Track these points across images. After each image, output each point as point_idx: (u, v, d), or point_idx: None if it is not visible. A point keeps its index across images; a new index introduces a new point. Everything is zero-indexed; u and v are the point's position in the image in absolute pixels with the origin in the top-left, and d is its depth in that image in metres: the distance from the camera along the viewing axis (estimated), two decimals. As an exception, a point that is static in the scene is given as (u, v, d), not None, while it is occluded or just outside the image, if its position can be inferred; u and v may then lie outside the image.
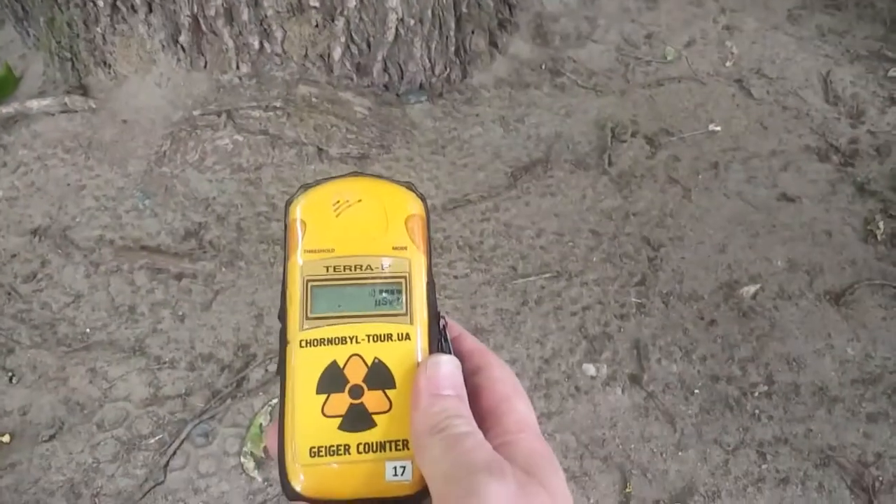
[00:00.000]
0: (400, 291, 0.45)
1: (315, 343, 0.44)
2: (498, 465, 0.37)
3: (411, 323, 0.45)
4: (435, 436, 0.39)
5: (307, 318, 0.44)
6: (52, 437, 1.59)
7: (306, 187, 0.47)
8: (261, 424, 1.60)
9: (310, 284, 0.45)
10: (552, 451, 0.40)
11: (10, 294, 1.86)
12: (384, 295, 0.45)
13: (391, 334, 0.44)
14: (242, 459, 1.56)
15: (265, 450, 1.56)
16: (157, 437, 1.60)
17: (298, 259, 0.45)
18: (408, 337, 0.44)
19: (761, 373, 1.76)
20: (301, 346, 0.44)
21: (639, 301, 1.90)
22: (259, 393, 1.67)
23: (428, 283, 0.46)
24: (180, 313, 1.83)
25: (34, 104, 2.32)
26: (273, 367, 1.72)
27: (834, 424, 1.67)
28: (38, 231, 2.01)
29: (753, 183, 2.24)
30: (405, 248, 0.46)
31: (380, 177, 0.49)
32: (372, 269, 0.45)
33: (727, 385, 1.73)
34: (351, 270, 0.45)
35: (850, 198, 2.20)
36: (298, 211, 0.46)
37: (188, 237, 2.00)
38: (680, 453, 1.62)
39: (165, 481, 1.53)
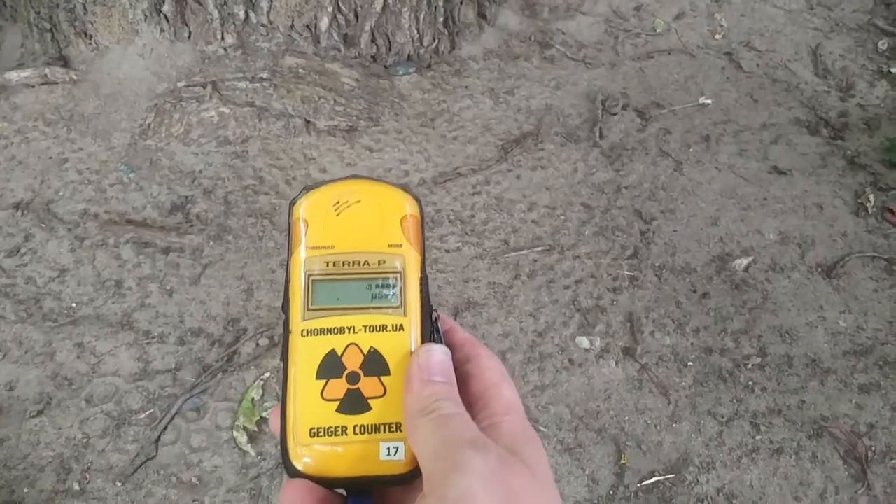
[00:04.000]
0: (395, 286, 0.48)
1: (315, 333, 0.47)
2: (482, 442, 0.39)
3: (405, 315, 0.48)
4: (425, 416, 0.42)
5: (308, 310, 0.47)
6: (40, 413, 1.57)
7: (309, 189, 0.50)
8: (253, 398, 1.58)
9: (311, 279, 0.48)
10: (535, 433, 0.42)
11: (-8, 269, 1.82)
12: (380, 289, 0.48)
13: (386, 325, 0.47)
14: (235, 433, 1.54)
15: (258, 423, 1.55)
16: (147, 412, 1.58)
17: (301, 255, 0.49)
18: (402, 328, 0.47)
19: (754, 345, 1.76)
20: (302, 336, 0.47)
21: (631, 274, 1.89)
22: (251, 367, 1.65)
23: (421, 279, 0.49)
24: (168, 287, 1.80)
25: (13, 76, 2.26)
26: (264, 342, 1.70)
27: (827, 396, 1.67)
28: (21, 205, 1.96)
29: (745, 156, 2.23)
30: (400, 245, 0.49)
31: (378, 179, 0.51)
32: (369, 265, 0.49)
33: (720, 357, 1.73)
34: (349, 266, 0.49)
35: (840, 171, 2.20)
36: (302, 210, 0.50)
37: (175, 211, 1.96)
38: (674, 425, 1.62)
39: (157, 456, 1.51)
